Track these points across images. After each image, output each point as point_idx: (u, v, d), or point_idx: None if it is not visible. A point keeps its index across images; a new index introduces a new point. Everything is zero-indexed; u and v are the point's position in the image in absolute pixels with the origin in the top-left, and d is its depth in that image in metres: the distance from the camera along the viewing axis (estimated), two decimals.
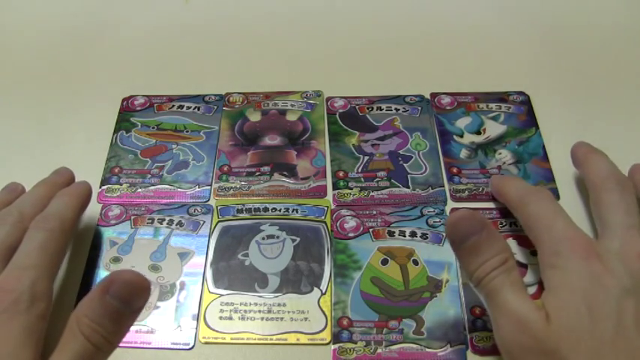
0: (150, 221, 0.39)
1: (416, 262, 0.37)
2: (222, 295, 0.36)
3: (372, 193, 0.40)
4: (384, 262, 0.37)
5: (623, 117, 0.45)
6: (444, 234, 0.38)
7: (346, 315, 0.35)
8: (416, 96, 0.46)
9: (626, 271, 0.28)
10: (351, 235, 0.38)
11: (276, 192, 0.41)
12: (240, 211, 0.40)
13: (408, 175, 0.41)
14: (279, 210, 0.40)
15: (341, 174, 0.42)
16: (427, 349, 0.33)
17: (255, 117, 0.46)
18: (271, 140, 0.44)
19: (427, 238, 0.38)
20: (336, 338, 0.34)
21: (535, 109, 0.45)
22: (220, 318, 0.35)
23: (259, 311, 0.35)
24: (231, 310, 0.35)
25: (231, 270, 0.37)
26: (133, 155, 0.43)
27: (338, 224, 0.39)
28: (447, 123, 0.45)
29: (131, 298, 0.27)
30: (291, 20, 0.54)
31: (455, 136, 0.44)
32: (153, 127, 0.45)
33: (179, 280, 0.37)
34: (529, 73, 0.48)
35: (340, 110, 0.46)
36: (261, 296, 0.36)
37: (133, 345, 0.34)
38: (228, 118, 0.46)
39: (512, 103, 0.46)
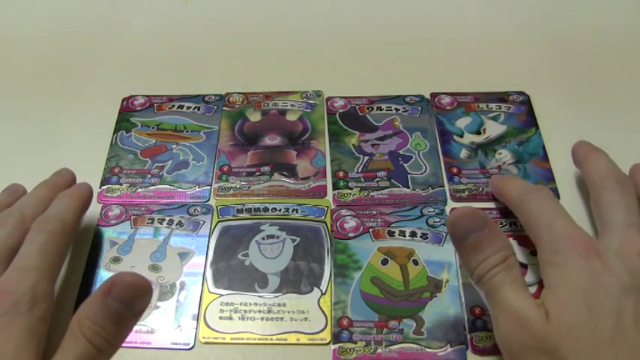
0: (150, 221, 0.39)
1: (416, 262, 0.37)
2: (222, 295, 0.36)
3: (372, 193, 0.40)
4: (384, 262, 0.37)
5: (623, 117, 0.45)
6: (445, 233, 0.38)
7: (346, 315, 0.35)
8: (416, 96, 0.46)
9: (626, 270, 0.28)
10: (351, 235, 0.38)
11: (276, 192, 0.41)
12: (240, 211, 0.40)
13: (408, 175, 0.41)
14: (279, 210, 0.40)
15: (341, 174, 0.42)
16: (427, 349, 0.33)
17: (255, 117, 0.46)
18: (271, 140, 0.44)
19: (427, 238, 0.38)
20: (336, 338, 0.34)
21: (535, 109, 0.45)
22: (220, 318, 0.35)
23: (259, 311, 0.35)
24: (231, 310, 0.35)
25: (231, 270, 0.37)
26: (133, 155, 0.43)
27: (338, 224, 0.39)
28: (447, 123, 0.45)
29: (133, 301, 0.27)
30: (292, 20, 0.54)
31: (455, 136, 0.44)
32: (153, 127, 0.45)
33: (179, 280, 0.37)
34: (529, 73, 0.48)
35: (340, 110, 0.46)
36: (261, 296, 0.36)
37: (133, 345, 0.34)
38: (228, 118, 0.46)
39: (512, 103, 0.46)
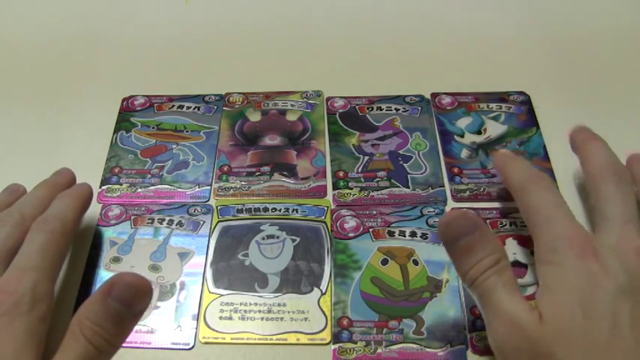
0: (150, 221, 0.39)
1: (416, 262, 0.37)
2: (222, 295, 0.36)
3: (372, 193, 0.40)
4: (384, 262, 0.37)
5: (623, 116, 0.45)
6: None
7: (346, 315, 0.35)
8: (416, 96, 0.46)
9: (623, 268, 0.28)
10: (351, 235, 0.38)
11: (276, 192, 0.41)
12: (240, 211, 0.40)
13: (408, 175, 0.41)
14: (279, 210, 0.40)
15: (341, 174, 0.42)
16: (427, 349, 0.33)
17: (255, 117, 0.46)
18: (271, 140, 0.44)
19: (427, 238, 0.38)
20: (336, 338, 0.34)
21: (535, 109, 0.45)
22: (220, 318, 0.35)
23: (259, 311, 0.35)
24: (231, 310, 0.35)
25: (231, 270, 0.37)
26: (133, 155, 0.43)
27: (338, 224, 0.39)
28: (447, 123, 0.45)
29: (133, 301, 0.27)
30: (291, 20, 0.54)
31: (456, 136, 0.44)
32: (153, 127, 0.45)
33: (179, 280, 0.37)
34: (529, 73, 0.48)
35: (340, 110, 0.46)
36: (261, 296, 0.36)
37: (133, 345, 0.34)
38: (228, 118, 0.46)
39: (513, 103, 0.46)
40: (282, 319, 0.35)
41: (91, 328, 0.27)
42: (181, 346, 0.34)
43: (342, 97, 0.47)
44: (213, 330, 0.35)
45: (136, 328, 0.34)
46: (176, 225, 0.39)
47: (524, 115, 0.45)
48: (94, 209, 0.40)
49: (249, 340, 0.34)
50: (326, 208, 0.40)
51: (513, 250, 0.37)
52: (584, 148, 0.36)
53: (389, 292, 0.36)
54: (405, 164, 0.42)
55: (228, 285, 0.36)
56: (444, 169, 0.42)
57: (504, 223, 0.38)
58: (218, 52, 0.51)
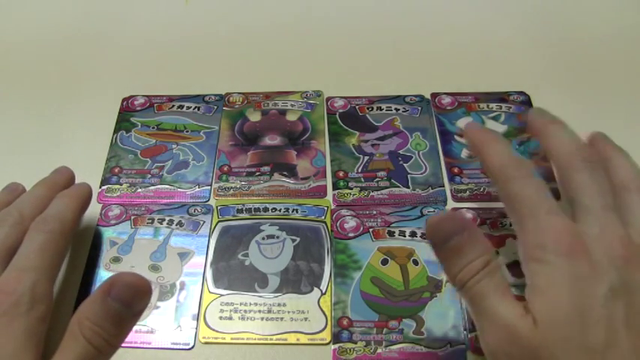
0: (150, 221, 0.39)
1: (416, 262, 0.37)
2: (222, 295, 0.36)
3: (372, 193, 0.40)
4: (384, 262, 0.37)
5: (623, 116, 0.45)
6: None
7: (346, 315, 0.35)
8: (416, 96, 0.46)
9: (611, 264, 0.27)
10: (351, 235, 0.38)
11: (276, 192, 0.41)
12: (240, 211, 0.40)
13: (408, 175, 0.41)
14: (279, 210, 0.40)
15: (341, 174, 0.42)
16: (427, 349, 0.33)
17: (255, 117, 0.46)
18: (271, 140, 0.44)
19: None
20: (336, 338, 0.34)
21: None
22: (220, 318, 0.35)
23: (259, 311, 0.35)
24: (231, 310, 0.35)
25: (231, 270, 0.37)
26: (133, 155, 0.43)
27: (338, 224, 0.39)
28: (447, 123, 0.45)
29: (132, 301, 0.27)
30: (292, 20, 0.54)
31: (456, 136, 0.44)
32: (153, 127, 0.45)
33: (179, 280, 0.37)
34: (529, 73, 0.48)
35: (340, 110, 0.46)
36: (261, 296, 0.36)
37: (133, 345, 0.34)
38: (228, 118, 0.46)
39: (513, 103, 0.46)
40: (282, 319, 0.35)
41: (90, 328, 0.27)
42: (181, 346, 0.34)
43: (342, 97, 0.47)
44: (213, 330, 0.35)
45: (136, 328, 0.34)
46: (176, 225, 0.39)
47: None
48: (94, 209, 0.40)
49: (249, 340, 0.34)
50: (326, 208, 0.40)
51: (513, 250, 0.37)
52: (546, 134, 0.33)
53: (389, 292, 0.36)
54: (405, 164, 0.42)
55: (228, 285, 0.36)
56: (444, 169, 0.42)
57: (504, 223, 0.38)
58: (218, 52, 0.51)
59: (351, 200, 0.40)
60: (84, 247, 0.38)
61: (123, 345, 0.28)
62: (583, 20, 0.52)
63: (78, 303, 0.35)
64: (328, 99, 0.47)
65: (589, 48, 0.50)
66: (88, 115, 0.46)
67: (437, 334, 0.34)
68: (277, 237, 0.38)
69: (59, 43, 0.52)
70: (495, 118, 0.45)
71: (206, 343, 0.34)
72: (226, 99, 0.47)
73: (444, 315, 0.35)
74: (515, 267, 0.36)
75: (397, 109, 0.46)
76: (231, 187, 0.41)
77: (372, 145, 0.43)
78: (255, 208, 0.40)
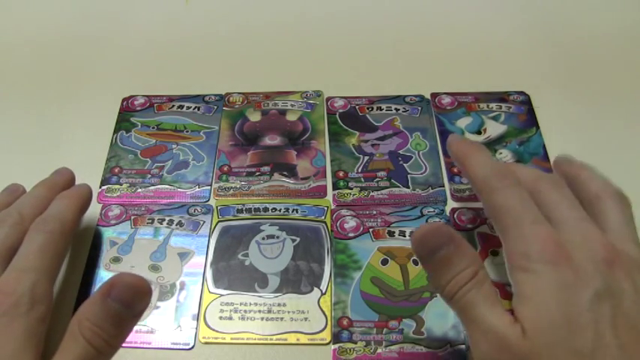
0: (150, 221, 0.39)
1: (416, 262, 0.37)
2: (222, 295, 0.36)
3: (372, 193, 0.40)
4: (384, 262, 0.37)
5: (623, 116, 0.45)
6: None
7: (346, 315, 0.35)
8: (416, 96, 0.46)
9: (595, 269, 0.27)
10: (351, 235, 0.38)
11: (276, 192, 0.41)
12: (240, 211, 0.40)
13: (408, 175, 0.41)
14: (279, 210, 0.40)
15: (341, 174, 0.42)
16: (427, 349, 0.33)
17: (255, 117, 0.46)
18: (271, 140, 0.44)
19: None
20: (336, 338, 0.34)
21: (535, 109, 0.45)
22: (220, 318, 0.35)
23: (259, 311, 0.35)
24: (231, 310, 0.35)
25: (231, 270, 0.37)
26: (133, 155, 0.43)
27: (338, 224, 0.39)
28: (447, 123, 0.45)
29: (132, 302, 0.27)
30: (291, 20, 0.54)
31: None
32: (153, 127, 0.45)
33: (179, 280, 0.37)
34: (529, 73, 0.48)
35: (340, 110, 0.46)
36: (261, 296, 0.36)
37: (133, 345, 0.34)
38: (228, 118, 0.46)
39: (513, 103, 0.46)
40: (282, 319, 0.35)
41: (90, 329, 0.27)
42: (181, 346, 0.34)
43: (342, 97, 0.47)
44: (213, 330, 0.35)
45: (136, 328, 0.34)
46: (176, 225, 0.39)
47: (524, 115, 0.45)
48: (94, 209, 0.40)
49: (249, 340, 0.34)
50: (326, 208, 0.40)
51: None
52: (513, 171, 0.33)
53: (389, 292, 0.36)
54: (405, 164, 0.42)
55: (228, 285, 0.36)
56: (444, 169, 0.42)
57: None
58: (218, 52, 0.51)
59: (351, 200, 0.40)
60: (84, 247, 0.38)
61: (123, 345, 0.28)
62: (583, 20, 0.52)
63: (78, 303, 0.35)
64: (328, 99, 0.47)
65: (589, 48, 0.50)
66: (88, 115, 0.46)
67: (437, 334, 0.34)
68: (277, 237, 0.38)
69: (59, 43, 0.52)
70: (495, 118, 0.45)
71: (206, 343, 0.34)
72: (226, 99, 0.47)
73: (444, 315, 0.35)
74: None
75: (397, 109, 0.46)
76: (231, 187, 0.41)
77: (372, 145, 0.43)
78: (255, 208, 0.40)
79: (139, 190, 0.41)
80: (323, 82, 0.48)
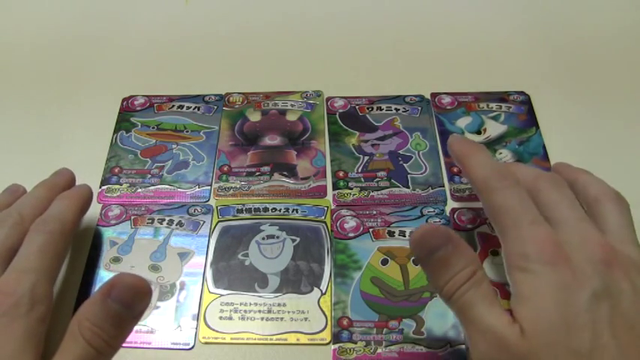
0: (150, 221, 0.39)
1: (416, 262, 0.37)
2: (222, 295, 0.36)
3: (372, 193, 0.40)
4: (384, 262, 0.37)
5: (623, 116, 0.45)
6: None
7: (346, 315, 0.35)
8: (416, 96, 0.46)
9: (593, 269, 0.27)
10: (351, 235, 0.38)
11: (276, 192, 0.41)
12: (240, 211, 0.40)
13: (408, 175, 0.41)
14: (279, 210, 0.40)
15: (341, 174, 0.42)
16: (427, 349, 0.33)
17: (255, 117, 0.46)
18: (271, 140, 0.44)
19: None
20: (336, 338, 0.34)
21: (535, 108, 0.45)
22: (220, 318, 0.35)
23: (259, 311, 0.35)
24: (231, 310, 0.35)
25: (231, 270, 0.37)
26: (133, 155, 0.43)
27: (338, 224, 0.39)
28: (447, 123, 0.45)
29: (133, 302, 0.27)
30: (291, 20, 0.54)
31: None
32: (153, 127, 0.45)
33: (179, 280, 0.37)
34: (529, 73, 0.48)
35: (340, 110, 0.46)
36: (261, 296, 0.36)
37: (133, 345, 0.34)
38: (228, 118, 0.46)
39: (513, 103, 0.46)
40: (282, 319, 0.35)
41: (90, 329, 0.27)
42: (181, 346, 0.34)
43: (342, 97, 0.47)
44: (213, 330, 0.35)
45: (136, 328, 0.34)
46: (176, 225, 0.39)
47: (524, 115, 0.45)
48: (94, 209, 0.40)
49: (249, 340, 0.34)
50: (326, 208, 0.40)
51: None
52: (513, 170, 0.33)
53: (389, 292, 0.36)
54: (405, 164, 0.42)
55: (228, 285, 0.36)
56: (444, 169, 0.42)
57: None
58: (218, 52, 0.51)
59: (351, 200, 0.40)
60: (84, 247, 0.38)
61: (123, 345, 0.28)
62: (583, 20, 0.52)
63: (78, 303, 0.35)
64: (328, 99, 0.47)
65: (589, 48, 0.50)
66: (88, 115, 0.46)
67: (437, 334, 0.34)
68: (277, 237, 0.38)
69: (59, 44, 0.52)
70: (495, 118, 0.45)
71: (206, 343, 0.34)
72: (226, 99, 0.47)
73: (444, 315, 0.35)
74: None
75: (397, 109, 0.46)
76: (231, 187, 0.41)
77: (372, 145, 0.43)
78: (255, 208, 0.40)
79: (139, 190, 0.41)
80: (323, 82, 0.48)
